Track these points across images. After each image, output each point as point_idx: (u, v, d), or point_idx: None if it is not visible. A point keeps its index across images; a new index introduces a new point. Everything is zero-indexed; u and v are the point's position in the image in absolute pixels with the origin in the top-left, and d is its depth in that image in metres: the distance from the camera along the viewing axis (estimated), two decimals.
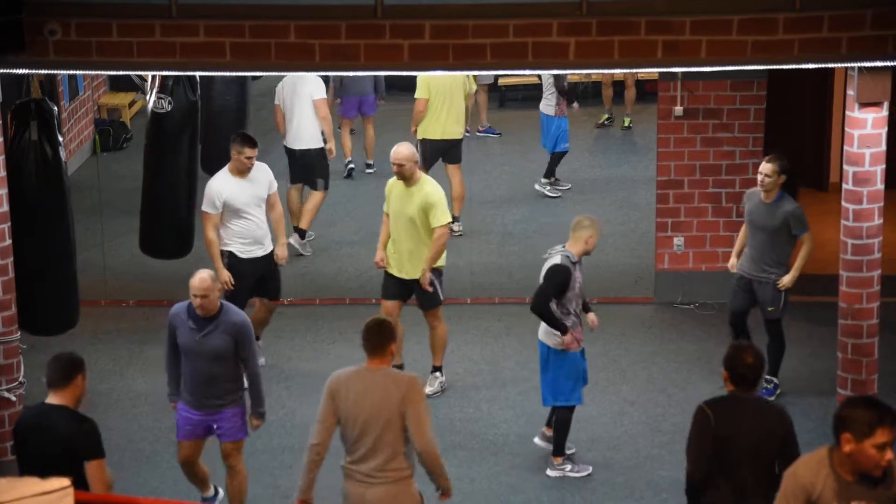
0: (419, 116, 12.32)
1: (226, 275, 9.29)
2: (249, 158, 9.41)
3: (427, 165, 11.93)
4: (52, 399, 6.38)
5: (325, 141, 11.94)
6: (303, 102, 11.82)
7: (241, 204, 9.40)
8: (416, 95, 12.30)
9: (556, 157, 13.42)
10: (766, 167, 9.03)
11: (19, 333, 8.27)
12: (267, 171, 9.73)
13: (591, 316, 8.61)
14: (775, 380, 9.34)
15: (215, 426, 7.63)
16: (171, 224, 10.10)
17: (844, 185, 7.97)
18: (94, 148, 14.52)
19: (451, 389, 9.65)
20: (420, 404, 6.48)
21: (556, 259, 8.36)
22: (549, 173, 13.49)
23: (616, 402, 9.41)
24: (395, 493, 6.51)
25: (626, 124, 15.50)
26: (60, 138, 8.47)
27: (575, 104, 14.80)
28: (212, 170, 11.34)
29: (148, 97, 9.97)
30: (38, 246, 8.41)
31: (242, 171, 9.46)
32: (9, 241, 8.07)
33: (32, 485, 3.51)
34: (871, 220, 7.88)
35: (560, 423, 8.50)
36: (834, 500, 5.03)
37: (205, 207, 9.40)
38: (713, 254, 10.90)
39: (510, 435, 9.03)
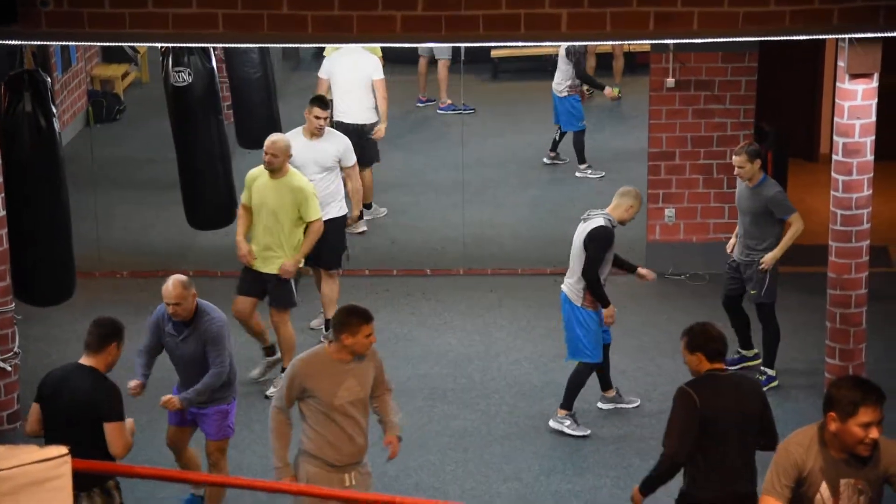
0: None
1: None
2: (318, 118, 9.58)
3: None
4: (84, 360, 6.58)
5: (378, 120, 11.80)
6: (362, 80, 11.67)
7: (300, 164, 9.40)
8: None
9: (578, 139, 13.15)
10: (736, 159, 9.05)
11: (14, 304, 8.29)
12: (339, 142, 9.75)
13: (611, 309, 8.54)
14: (769, 371, 9.21)
15: (200, 423, 7.58)
16: (213, 196, 10.01)
17: (834, 156, 8.00)
18: (87, 119, 14.50)
19: (444, 360, 9.70)
20: None
21: (600, 221, 8.45)
22: (581, 159, 13.21)
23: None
24: None
25: (616, 94, 15.41)
26: (54, 109, 8.46)
27: (607, 88, 13.57)
28: (247, 143, 11.37)
29: (163, 74, 9.81)
30: (33, 216, 8.41)
31: (312, 132, 9.61)
32: (3, 212, 8.09)
33: (31, 452, 3.53)
34: (860, 191, 7.91)
35: (577, 377, 8.62)
36: (822, 477, 5.06)
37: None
38: (704, 225, 10.94)
39: (502, 405, 9.08)
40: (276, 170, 8.94)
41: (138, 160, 13.54)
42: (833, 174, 8.01)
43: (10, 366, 8.23)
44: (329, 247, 9.61)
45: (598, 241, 8.40)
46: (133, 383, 7.47)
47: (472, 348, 9.88)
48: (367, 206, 12.00)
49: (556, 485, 8.12)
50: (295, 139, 9.50)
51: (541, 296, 10.68)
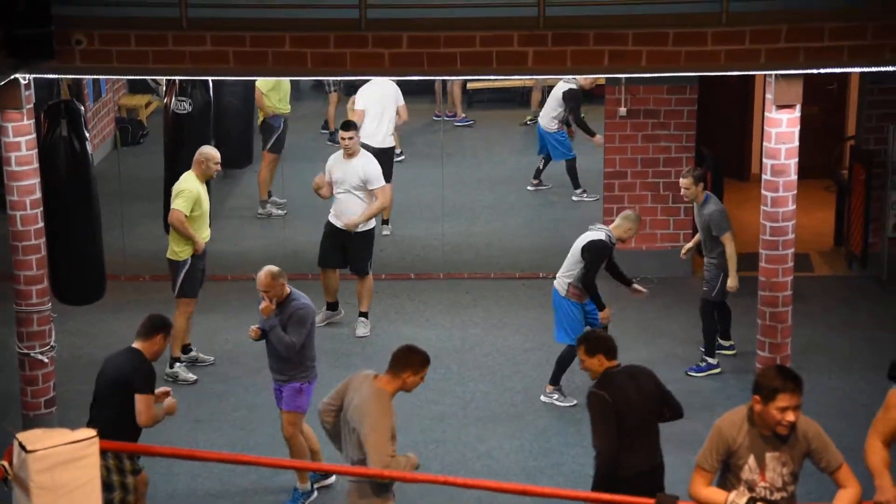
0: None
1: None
2: (343, 140, 9.67)
3: None
4: (135, 344, 6.74)
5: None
6: (391, 106, 11.72)
7: (338, 180, 9.63)
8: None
9: (570, 166, 12.87)
10: (682, 182, 9.08)
11: (51, 304, 8.24)
12: (367, 164, 9.70)
13: (607, 311, 8.60)
14: (710, 360, 9.20)
15: (277, 396, 7.56)
16: None
17: (764, 176, 8.02)
18: (115, 143, 14.43)
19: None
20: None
21: (601, 235, 8.50)
22: (575, 185, 12.90)
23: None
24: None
25: (528, 120, 15.53)
26: (86, 134, 8.42)
27: (597, 136, 12.19)
28: (230, 164, 11.33)
29: (167, 101, 9.84)
30: (69, 227, 8.37)
31: (346, 153, 9.71)
32: (42, 224, 8.05)
33: (62, 435, 3.51)
34: (786, 206, 7.93)
35: (564, 357, 8.66)
36: (750, 451, 5.10)
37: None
38: (653, 235, 10.96)
39: (476, 392, 9.07)
40: None
41: (159, 178, 13.40)
42: (763, 191, 8.03)
43: (48, 357, 8.18)
44: (360, 256, 9.80)
45: (594, 252, 8.46)
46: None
47: (451, 342, 9.86)
48: (385, 223, 11.89)
49: (524, 462, 8.11)
50: (335, 158, 9.76)
51: (511, 296, 10.68)
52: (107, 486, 6.54)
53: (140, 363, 6.66)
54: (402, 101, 11.90)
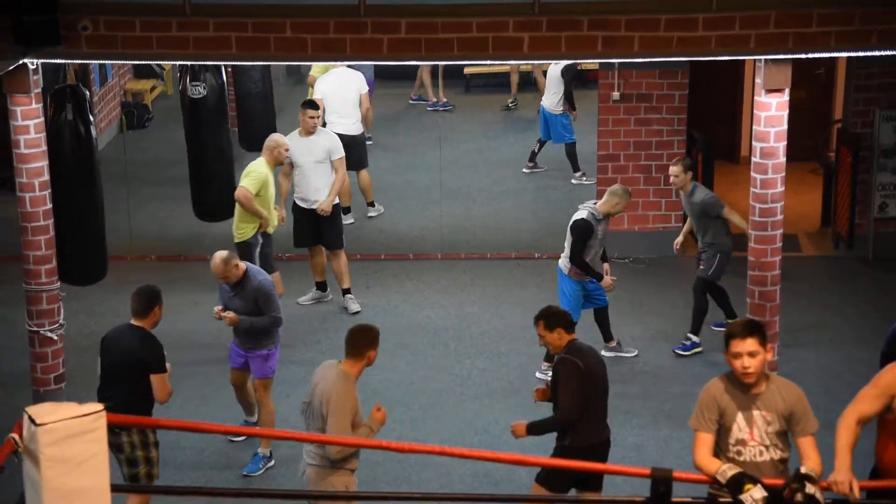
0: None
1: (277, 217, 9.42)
2: (311, 118, 9.64)
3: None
4: (134, 321, 6.74)
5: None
6: (353, 95, 11.60)
7: (296, 158, 9.54)
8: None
9: (570, 150, 12.80)
10: (672, 170, 9.09)
11: (59, 283, 8.25)
12: (328, 138, 9.74)
13: (607, 279, 8.68)
14: (693, 337, 9.19)
15: (250, 365, 7.76)
16: (219, 191, 9.85)
17: (753, 159, 8.02)
18: (120, 126, 14.41)
19: (424, 331, 9.70)
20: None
21: (583, 214, 8.57)
22: (575, 168, 12.83)
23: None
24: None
25: (509, 103, 15.39)
26: (92, 118, 8.40)
27: (576, 112, 12.83)
28: (250, 146, 11.35)
29: (181, 86, 9.76)
30: (73, 209, 8.37)
31: (308, 131, 9.66)
32: (49, 206, 8.05)
33: (71, 409, 3.51)
34: (774, 188, 7.93)
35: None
36: (737, 409, 5.08)
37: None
38: (644, 216, 10.96)
39: (474, 369, 9.10)
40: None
41: (164, 161, 13.48)
42: (752, 174, 8.03)
43: (57, 335, 8.20)
44: (333, 232, 9.81)
45: (576, 231, 8.56)
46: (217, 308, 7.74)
47: (448, 321, 9.88)
48: (371, 205, 11.93)
49: None
50: (292, 139, 9.56)
51: (507, 276, 10.70)
52: (131, 462, 6.64)
53: (151, 343, 6.69)
54: (365, 90, 11.73)
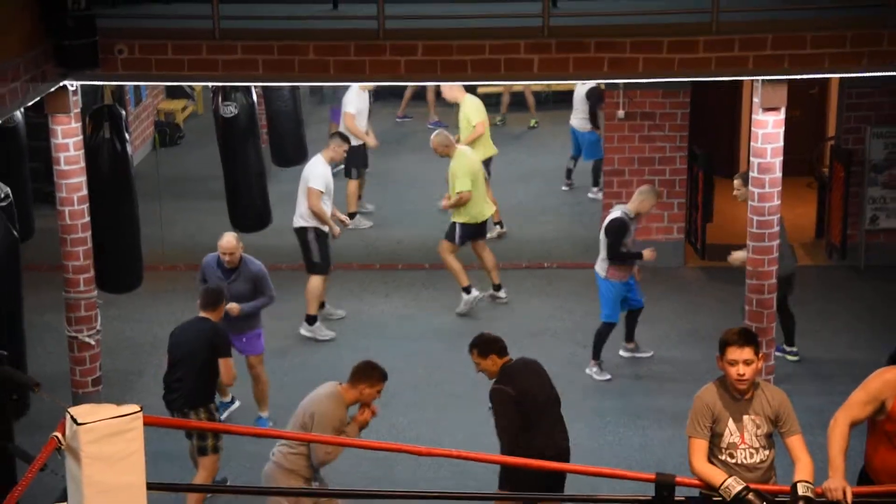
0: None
1: (336, 230, 9.70)
2: (346, 152, 10.01)
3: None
4: (202, 314, 7.23)
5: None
6: (366, 108, 12.25)
7: (325, 185, 9.64)
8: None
9: (596, 166, 12.71)
10: (735, 183, 9.03)
11: (97, 291, 8.30)
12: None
13: (647, 251, 8.79)
14: (787, 348, 9.11)
15: (243, 347, 8.11)
16: (252, 204, 9.83)
17: (751, 173, 8.02)
18: (153, 144, 14.49)
19: (440, 336, 9.67)
20: None
21: (616, 213, 8.73)
22: (595, 182, 12.80)
23: (569, 346, 9.48)
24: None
25: (532, 125, 15.54)
26: (127, 136, 8.46)
27: (601, 130, 12.24)
28: (281, 162, 11.44)
29: (214, 106, 9.78)
30: (110, 222, 8.42)
31: (337, 161, 9.97)
32: (88, 218, 8.10)
33: (110, 410, 3.54)
34: (771, 201, 7.93)
35: (599, 334, 8.88)
36: (728, 414, 5.07)
37: (319, 186, 9.57)
38: (648, 228, 10.95)
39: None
40: None
41: (194, 177, 13.55)
42: (750, 188, 8.03)
43: (94, 341, 8.24)
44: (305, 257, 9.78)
45: (610, 232, 8.71)
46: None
47: (463, 327, 9.87)
48: (352, 216, 11.74)
49: None
50: (323, 165, 9.68)
51: (518, 284, 10.70)
52: (201, 435, 6.98)
53: (220, 331, 7.18)
54: (347, 109, 12.12)
